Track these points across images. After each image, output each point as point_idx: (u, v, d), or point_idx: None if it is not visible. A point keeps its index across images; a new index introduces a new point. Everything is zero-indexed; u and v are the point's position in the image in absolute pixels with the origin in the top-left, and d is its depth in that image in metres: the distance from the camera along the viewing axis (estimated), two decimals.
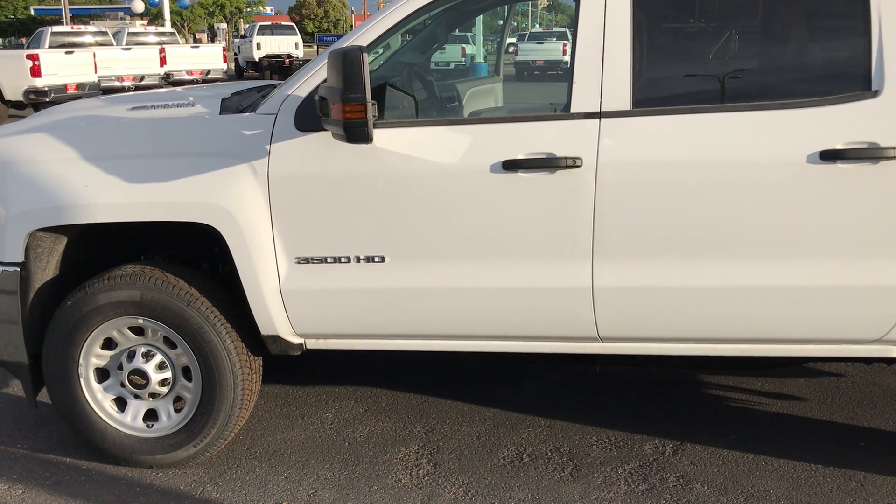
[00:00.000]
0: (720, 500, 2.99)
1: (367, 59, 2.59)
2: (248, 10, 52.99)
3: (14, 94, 14.82)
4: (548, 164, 2.77)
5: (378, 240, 2.92)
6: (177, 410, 3.23)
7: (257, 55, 27.58)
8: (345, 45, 2.71)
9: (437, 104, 4.07)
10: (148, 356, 3.14)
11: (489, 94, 4.70)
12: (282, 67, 26.65)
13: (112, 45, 18.94)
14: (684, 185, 2.73)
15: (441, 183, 2.84)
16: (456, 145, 2.83)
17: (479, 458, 3.32)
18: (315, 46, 45.35)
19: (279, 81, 3.74)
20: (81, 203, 2.97)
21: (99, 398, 3.21)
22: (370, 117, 2.60)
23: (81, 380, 3.17)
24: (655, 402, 3.77)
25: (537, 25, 42.63)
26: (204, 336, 3.05)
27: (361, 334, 3.10)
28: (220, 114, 3.09)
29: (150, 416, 3.24)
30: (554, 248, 2.84)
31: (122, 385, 3.19)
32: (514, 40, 24.80)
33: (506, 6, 4.73)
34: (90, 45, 17.69)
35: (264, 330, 3.07)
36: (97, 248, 3.36)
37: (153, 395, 3.19)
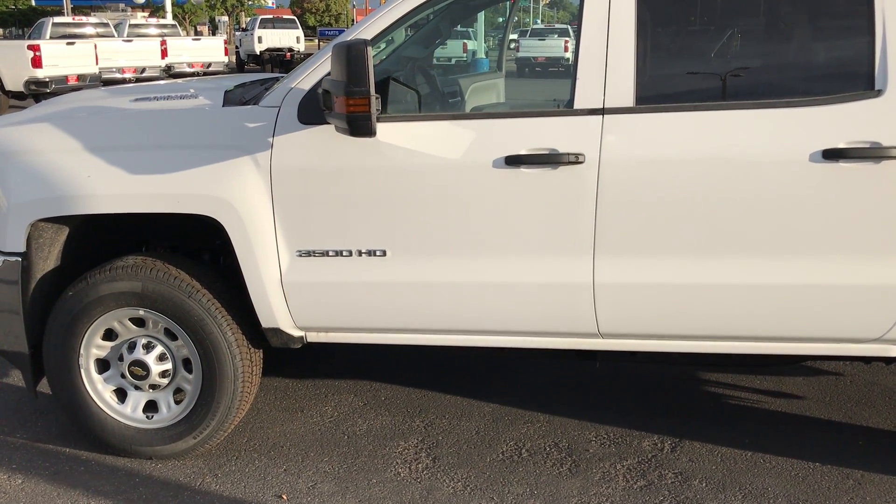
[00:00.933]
0: (718, 496, 3.00)
1: (371, 52, 2.59)
2: (250, 3, 52.85)
3: (15, 84, 14.79)
4: (550, 159, 2.77)
5: (380, 234, 2.92)
6: (177, 402, 3.24)
7: (258, 48, 27.51)
8: (349, 39, 2.71)
9: (440, 99, 4.07)
10: (148, 347, 3.15)
11: (491, 89, 4.69)
12: (283, 61, 26.60)
13: (113, 36, 18.94)
14: (686, 183, 2.73)
15: (443, 178, 2.84)
16: (459, 140, 2.83)
17: (477, 452, 3.33)
18: (316, 40, 45.32)
19: (282, 74, 3.74)
20: (83, 194, 2.97)
21: (99, 389, 3.22)
22: (374, 111, 2.60)
23: (82, 370, 3.18)
24: (655, 399, 3.78)
25: (539, 22, 42.57)
26: (205, 328, 3.05)
27: (362, 328, 3.10)
28: (223, 106, 3.09)
29: (150, 407, 3.25)
30: (556, 243, 2.84)
31: (123, 376, 3.20)
32: (515, 36, 24.76)
33: (508, 2, 4.72)
34: (91, 36, 17.70)
35: (265, 322, 3.07)
36: (99, 239, 3.36)
37: (153, 387, 3.20)
